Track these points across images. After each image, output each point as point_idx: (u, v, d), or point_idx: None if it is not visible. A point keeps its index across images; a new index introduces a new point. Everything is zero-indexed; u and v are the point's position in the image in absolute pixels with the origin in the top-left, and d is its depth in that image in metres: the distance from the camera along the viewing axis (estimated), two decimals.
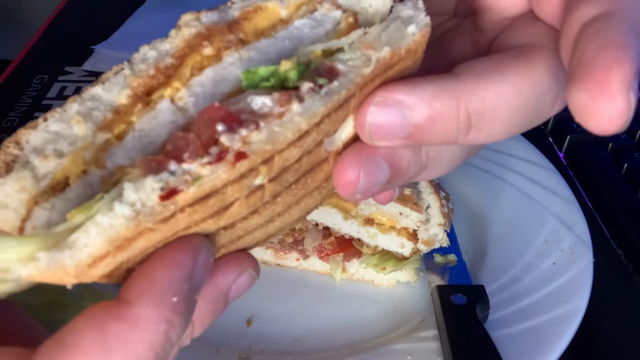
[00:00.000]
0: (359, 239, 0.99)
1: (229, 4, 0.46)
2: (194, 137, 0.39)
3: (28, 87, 1.46)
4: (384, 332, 0.89)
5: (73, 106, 0.45)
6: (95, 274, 0.39)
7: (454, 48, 0.53)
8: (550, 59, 0.43)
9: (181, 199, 0.38)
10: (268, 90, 0.41)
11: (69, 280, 0.38)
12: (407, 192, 0.93)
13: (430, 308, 0.90)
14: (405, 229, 0.95)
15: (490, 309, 0.84)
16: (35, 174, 0.43)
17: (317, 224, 0.98)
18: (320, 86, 0.41)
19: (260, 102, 0.40)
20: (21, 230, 0.42)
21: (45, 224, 0.42)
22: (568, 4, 0.42)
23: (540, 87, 0.43)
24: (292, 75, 0.41)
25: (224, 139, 0.39)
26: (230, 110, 0.40)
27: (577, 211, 1.01)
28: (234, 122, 0.39)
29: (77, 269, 0.38)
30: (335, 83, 0.41)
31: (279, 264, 1.03)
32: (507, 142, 1.17)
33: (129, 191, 0.38)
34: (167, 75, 0.45)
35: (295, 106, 0.40)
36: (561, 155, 1.24)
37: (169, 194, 0.38)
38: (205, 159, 0.38)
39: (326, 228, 0.99)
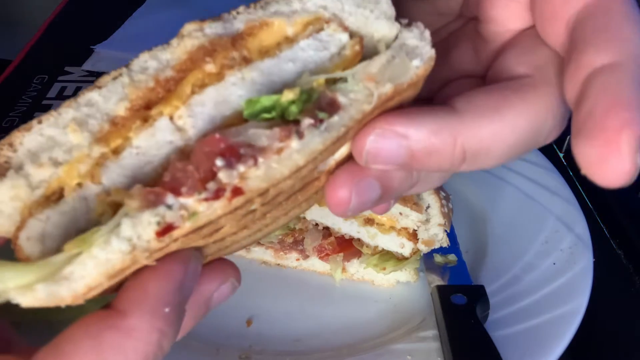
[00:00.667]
0: (359, 239, 0.99)
1: (233, 13, 0.45)
2: (192, 169, 0.39)
3: (28, 87, 1.46)
4: (384, 332, 0.89)
5: (68, 111, 0.44)
6: (88, 296, 0.40)
7: (455, 54, 0.53)
8: (548, 96, 0.44)
9: (176, 233, 0.39)
10: (269, 124, 0.41)
11: (63, 304, 0.40)
12: None
13: (430, 308, 0.90)
14: (405, 229, 0.95)
15: (490, 309, 0.84)
16: (30, 182, 0.43)
17: (317, 224, 0.98)
18: (321, 121, 0.41)
19: (260, 136, 0.40)
20: (15, 239, 0.42)
21: (39, 235, 0.42)
22: (575, 39, 0.42)
23: (537, 125, 0.43)
24: (294, 108, 0.41)
25: (222, 176, 0.39)
26: (231, 143, 0.40)
27: (577, 211, 1.01)
28: (233, 156, 0.39)
29: (73, 298, 0.39)
30: (336, 118, 0.41)
31: (279, 264, 1.03)
32: None
33: (126, 226, 0.39)
34: (167, 89, 0.44)
35: (295, 143, 0.40)
36: (561, 155, 1.24)
37: (165, 229, 0.39)
38: (203, 195, 0.39)
39: (326, 228, 0.99)
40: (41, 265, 0.39)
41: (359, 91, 0.42)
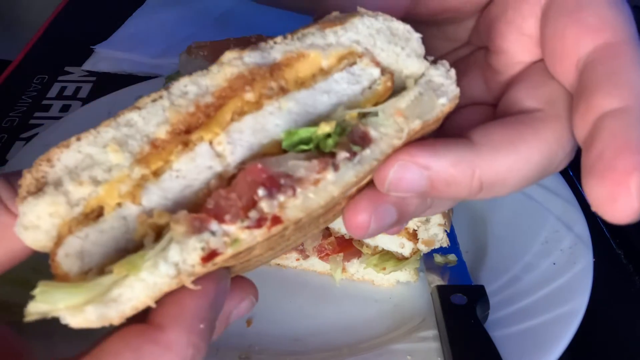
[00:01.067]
0: (359, 239, 0.99)
1: (270, 42, 0.46)
2: (235, 198, 0.41)
3: (28, 87, 1.46)
4: (384, 332, 0.89)
5: (108, 130, 0.45)
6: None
7: (465, 81, 0.54)
8: (559, 131, 0.46)
9: (219, 259, 0.41)
10: (307, 155, 0.43)
11: (110, 324, 0.41)
12: None
13: (430, 308, 0.90)
14: (405, 229, 0.95)
15: (490, 309, 0.84)
16: (69, 199, 0.44)
17: None
18: (354, 154, 0.43)
19: (299, 168, 0.42)
20: (54, 255, 0.43)
21: (78, 253, 0.43)
22: (584, 80, 0.44)
23: (549, 157, 0.46)
24: (330, 141, 0.43)
25: (263, 205, 0.41)
26: (272, 173, 0.42)
27: (577, 211, 1.01)
28: (274, 186, 0.41)
29: (120, 318, 0.41)
30: (368, 151, 0.44)
31: (279, 264, 1.03)
32: None
33: (174, 252, 0.40)
34: (207, 114, 0.45)
35: (330, 175, 0.42)
36: None
37: (209, 255, 0.41)
38: (245, 223, 0.41)
39: (326, 228, 0.99)
40: (89, 286, 0.41)
41: (389, 126, 0.45)
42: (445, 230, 0.92)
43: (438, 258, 0.97)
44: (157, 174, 0.44)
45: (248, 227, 0.41)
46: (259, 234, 0.41)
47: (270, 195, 0.41)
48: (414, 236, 0.95)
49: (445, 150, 0.44)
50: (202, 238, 0.40)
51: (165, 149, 0.44)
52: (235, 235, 0.41)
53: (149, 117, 0.45)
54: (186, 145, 0.44)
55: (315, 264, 1.01)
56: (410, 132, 0.44)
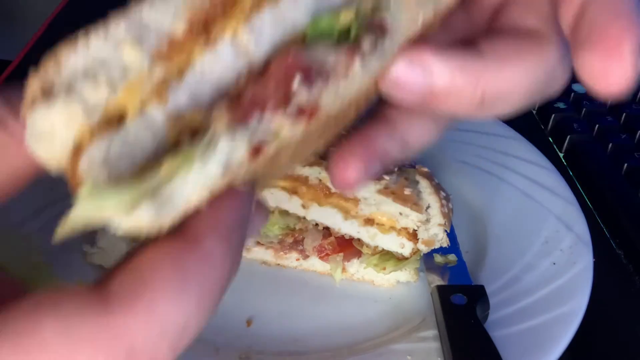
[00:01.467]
0: (359, 239, 0.99)
1: None
2: (273, 88, 0.39)
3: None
4: (384, 332, 0.89)
5: (119, 27, 0.40)
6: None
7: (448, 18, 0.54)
8: (557, 43, 0.46)
9: (263, 154, 0.38)
10: (335, 45, 0.42)
11: (160, 229, 0.37)
12: (407, 192, 0.93)
13: (430, 308, 0.89)
14: (405, 229, 0.95)
15: (490, 309, 0.84)
16: (85, 105, 0.39)
17: (317, 224, 0.98)
18: (376, 43, 0.42)
19: (330, 57, 0.41)
20: (74, 168, 0.38)
21: (103, 162, 0.38)
22: None
23: (550, 71, 0.46)
24: (353, 30, 0.42)
25: (301, 96, 0.39)
26: (305, 63, 0.40)
27: (577, 211, 1.01)
28: (309, 77, 0.40)
29: (172, 220, 0.36)
30: (387, 41, 0.42)
31: (279, 264, 1.03)
32: (507, 142, 1.17)
33: (223, 145, 0.37)
34: (224, 8, 0.41)
35: (359, 64, 0.41)
36: (561, 155, 1.24)
37: (256, 148, 0.38)
38: (287, 114, 0.39)
39: (326, 228, 0.99)
40: (137, 186, 0.36)
41: (403, 15, 0.43)
42: (445, 230, 0.93)
43: (438, 258, 0.97)
44: (179, 73, 0.40)
45: (290, 118, 0.39)
46: (299, 127, 0.39)
47: (307, 85, 0.39)
48: (414, 236, 0.95)
49: (452, 54, 0.44)
50: (248, 130, 0.38)
51: (184, 46, 0.41)
52: (278, 127, 0.38)
53: (163, 12, 0.41)
54: (207, 42, 0.41)
55: (315, 264, 1.01)
56: (424, 22, 0.43)
